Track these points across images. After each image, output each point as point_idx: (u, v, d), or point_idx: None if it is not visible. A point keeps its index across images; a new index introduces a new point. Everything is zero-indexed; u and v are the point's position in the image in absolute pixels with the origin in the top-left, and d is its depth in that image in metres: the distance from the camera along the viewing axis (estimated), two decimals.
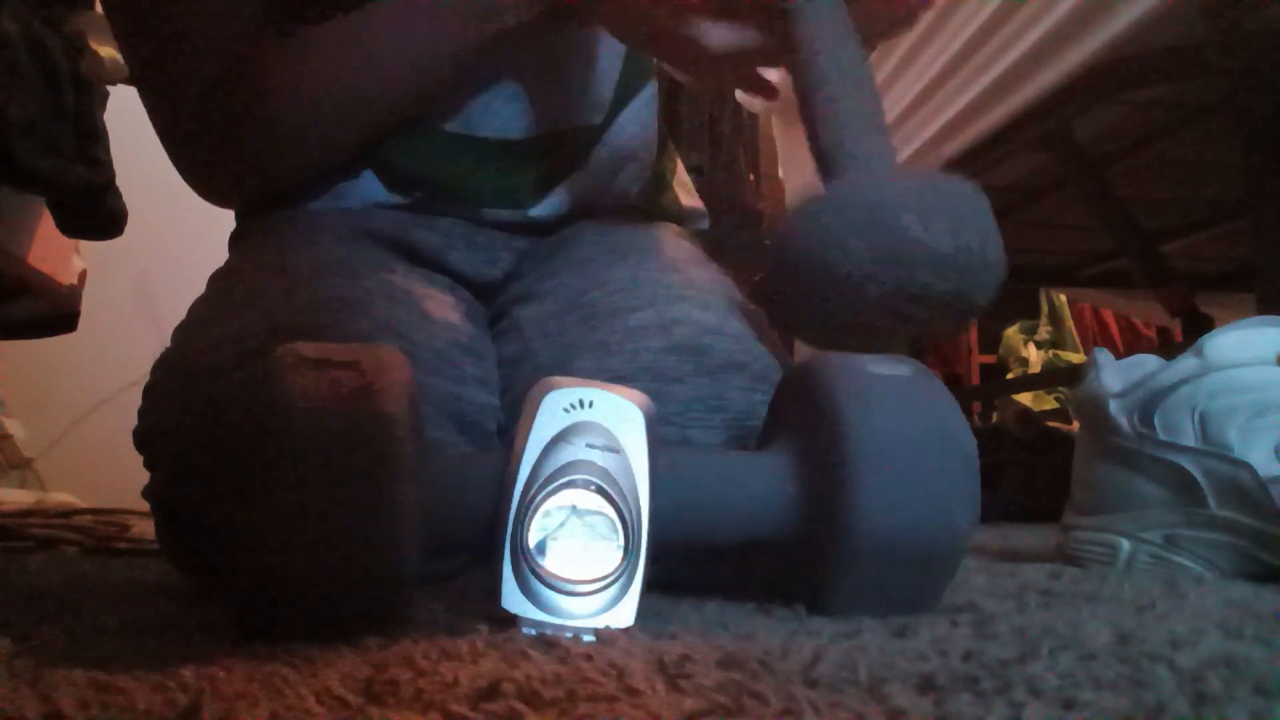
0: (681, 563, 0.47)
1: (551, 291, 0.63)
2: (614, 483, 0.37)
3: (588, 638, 0.34)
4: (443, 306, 0.59)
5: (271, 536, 0.33)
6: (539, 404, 0.38)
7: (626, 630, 0.36)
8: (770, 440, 0.45)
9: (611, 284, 0.60)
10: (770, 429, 0.47)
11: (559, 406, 0.38)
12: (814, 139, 0.51)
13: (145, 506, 0.55)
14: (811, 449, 0.41)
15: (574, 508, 0.37)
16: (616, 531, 0.36)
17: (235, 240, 0.72)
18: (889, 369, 0.42)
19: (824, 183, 0.50)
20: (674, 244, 0.69)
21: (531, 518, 0.36)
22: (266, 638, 0.34)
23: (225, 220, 0.73)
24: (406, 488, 0.34)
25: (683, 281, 0.60)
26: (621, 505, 0.37)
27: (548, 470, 0.37)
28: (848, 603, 0.40)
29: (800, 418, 0.43)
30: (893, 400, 0.40)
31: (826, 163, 0.50)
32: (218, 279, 0.64)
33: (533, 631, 0.35)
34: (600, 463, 0.37)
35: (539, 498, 0.36)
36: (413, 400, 0.38)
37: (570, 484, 0.37)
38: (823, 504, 0.40)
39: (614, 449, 0.37)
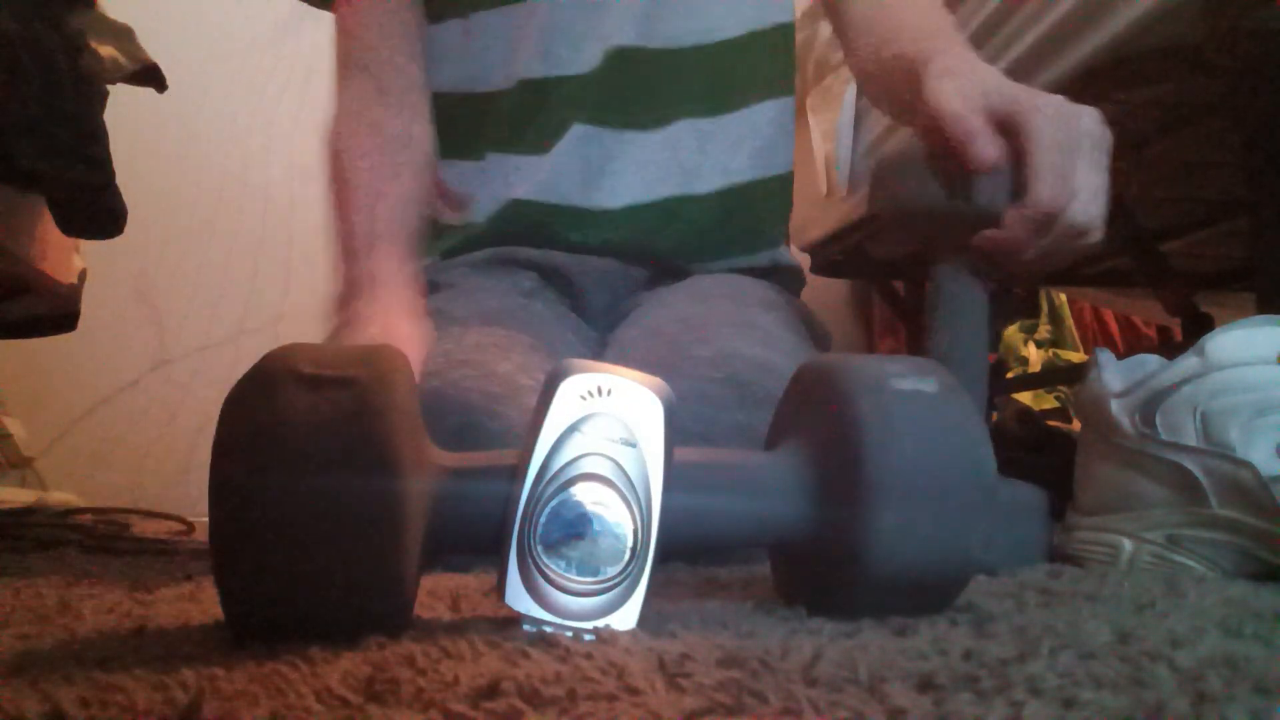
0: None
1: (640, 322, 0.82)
2: (627, 479, 0.36)
3: (588, 636, 0.34)
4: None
5: (270, 550, 0.33)
6: (556, 389, 0.37)
7: (626, 629, 0.35)
8: (783, 438, 0.44)
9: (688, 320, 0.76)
10: (783, 426, 0.46)
11: (576, 393, 0.37)
12: None
13: (145, 506, 0.55)
14: (829, 465, 0.40)
15: (585, 504, 0.36)
16: (626, 531, 0.36)
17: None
18: (914, 384, 0.40)
19: None
20: (754, 289, 0.84)
21: (541, 514, 0.36)
22: (267, 638, 0.34)
23: (224, 220, 0.73)
24: (405, 505, 0.34)
25: (745, 321, 0.75)
26: (633, 503, 0.36)
27: (560, 463, 0.36)
28: (852, 615, 0.39)
29: (817, 424, 0.42)
30: (916, 424, 0.39)
31: None
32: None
33: (533, 629, 0.35)
34: (615, 457, 0.36)
35: (549, 493, 0.36)
36: (414, 406, 0.38)
37: (582, 478, 0.36)
38: (836, 528, 0.39)
39: (630, 443, 0.36)
